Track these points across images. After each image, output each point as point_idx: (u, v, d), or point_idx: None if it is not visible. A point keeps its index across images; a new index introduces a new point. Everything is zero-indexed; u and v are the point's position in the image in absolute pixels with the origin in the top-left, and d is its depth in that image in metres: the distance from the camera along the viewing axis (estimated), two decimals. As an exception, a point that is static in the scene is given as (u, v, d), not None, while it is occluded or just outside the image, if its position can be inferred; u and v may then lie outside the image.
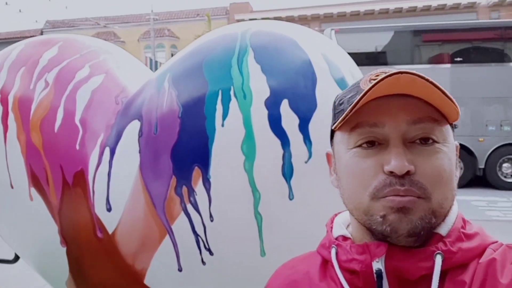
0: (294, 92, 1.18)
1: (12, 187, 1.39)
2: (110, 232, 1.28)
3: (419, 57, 9.01)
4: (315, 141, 1.16)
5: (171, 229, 1.20)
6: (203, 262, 1.21)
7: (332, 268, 0.61)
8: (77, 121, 1.37)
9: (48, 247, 1.39)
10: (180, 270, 1.23)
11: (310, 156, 1.16)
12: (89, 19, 23.33)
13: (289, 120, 1.15)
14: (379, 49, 9.34)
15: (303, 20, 19.80)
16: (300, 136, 1.16)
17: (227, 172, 1.15)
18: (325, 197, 1.21)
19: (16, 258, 2.32)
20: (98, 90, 1.43)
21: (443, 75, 8.13)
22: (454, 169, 0.59)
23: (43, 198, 1.35)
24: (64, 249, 1.35)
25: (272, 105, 1.16)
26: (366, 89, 0.55)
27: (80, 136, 1.36)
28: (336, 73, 1.26)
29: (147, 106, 1.30)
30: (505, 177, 8.29)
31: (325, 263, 0.64)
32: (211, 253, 1.20)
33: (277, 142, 1.14)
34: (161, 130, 1.23)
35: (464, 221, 0.61)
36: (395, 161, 0.54)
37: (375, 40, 9.34)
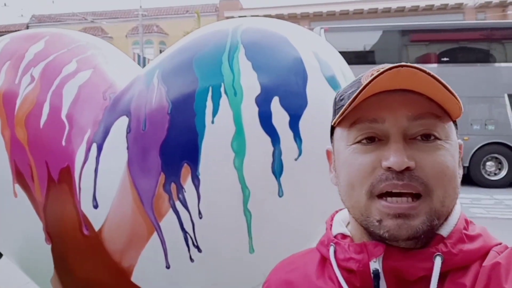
0: (285, 90, 1.18)
1: (-5, 184, 1.36)
2: (96, 229, 1.26)
3: (406, 57, 9.10)
4: (305, 139, 1.16)
5: (159, 226, 1.19)
6: (192, 259, 1.20)
7: (330, 266, 0.60)
8: (63, 117, 1.35)
9: (33, 244, 1.36)
10: (168, 267, 1.22)
11: (300, 154, 1.16)
12: (76, 14, 22.97)
13: (280, 117, 1.15)
14: (368, 48, 9.42)
15: (292, 18, 19.83)
16: (290, 134, 1.15)
17: (217, 169, 1.15)
18: (315, 195, 1.22)
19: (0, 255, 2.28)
20: (85, 85, 1.41)
21: (430, 74, 8.20)
22: (457, 167, 0.57)
23: (27, 194, 1.32)
24: (49, 246, 1.33)
25: (263, 102, 1.15)
26: (365, 84, 0.54)
27: (66, 132, 1.33)
28: (327, 71, 1.27)
29: (135, 102, 1.28)
30: (488, 175, 8.44)
31: (324, 260, 0.63)
32: (199, 250, 1.19)
33: (267, 139, 1.14)
34: (150, 126, 1.21)
35: (467, 221, 0.59)
36: (394, 157, 0.52)
37: (364, 39, 9.41)
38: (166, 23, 23.50)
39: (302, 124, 1.16)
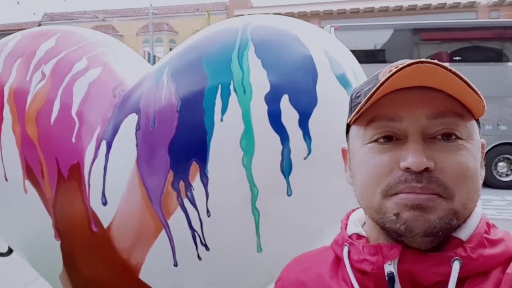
0: (294, 88, 1.17)
1: (6, 180, 1.37)
2: (105, 226, 1.26)
3: (417, 55, 9.01)
4: (315, 138, 1.15)
5: (167, 224, 1.19)
6: (199, 258, 1.20)
7: (344, 267, 0.59)
8: (73, 114, 1.35)
9: (42, 240, 1.38)
10: (175, 265, 1.22)
11: (309, 153, 1.15)
12: (87, 12, 23.18)
13: (289, 115, 1.14)
14: (378, 47, 9.33)
15: (302, 16, 19.75)
16: (299, 132, 1.14)
17: (225, 167, 1.14)
18: (324, 194, 1.21)
19: (10, 251, 2.31)
20: (95, 82, 1.41)
21: (441, 73, 8.11)
22: (479, 168, 0.55)
23: (37, 191, 1.33)
24: (58, 242, 1.34)
25: (272, 100, 1.14)
26: (382, 80, 0.51)
27: (76, 129, 1.34)
28: (337, 69, 1.25)
29: (145, 100, 1.28)
30: (500, 176, 8.32)
31: (338, 260, 0.62)
32: (207, 249, 1.18)
33: (276, 137, 1.13)
34: (159, 124, 1.21)
35: (488, 225, 0.56)
36: (413, 157, 0.50)
37: (375, 38, 9.33)
38: (176, 21, 23.59)
39: (312, 122, 1.15)
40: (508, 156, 8.33)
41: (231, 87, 1.15)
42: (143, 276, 1.27)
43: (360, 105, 0.55)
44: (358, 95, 0.60)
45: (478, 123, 0.57)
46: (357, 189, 0.58)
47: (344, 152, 0.65)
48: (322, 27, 9.28)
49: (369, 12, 19.84)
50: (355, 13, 20.08)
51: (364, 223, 0.63)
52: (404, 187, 0.51)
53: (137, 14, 24.29)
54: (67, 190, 1.30)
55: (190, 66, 1.24)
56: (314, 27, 1.44)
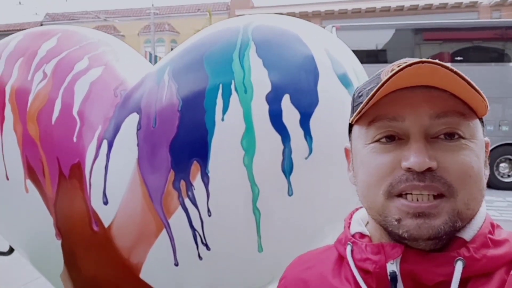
0: (295, 87, 1.16)
1: (7, 179, 1.38)
2: (106, 225, 1.26)
3: (419, 56, 8.99)
4: (316, 137, 1.15)
5: (168, 223, 1.19)
6: (200, 257, 1.20)
7: (347, 266, 0.59)
8: (75, 113, 1.35)
9: (43, 239, 1.38)
10: (176, 264, 1.22)
11: (310, 152, 1.15)
12: (89, 12, 23.22)
13: (290, 115, 1.14)
14: (380, 47, 9.32)
15: (304, 16, 19.74)
16: (301, 132, 1.14)
17: (226, 167, 1.14)
18: (325, 194, 1.20)
19: (11, 250, 2.31)
20: (96, 82, 1.41)
21: (442, 74, 8.10)
22: (483, 167, 0.54)
23: (39, 190, 1.33)
24: (59, 241, 1.34)
25: (273, 100, 1.14)
26: (384, 80, 0.51)
27: (77, 128, 1.34)
28: (338, 69, 1.25)
29: (146, 99, 1.28)
30: (502, 177, 8.29)
31: (341, 259, 0.62)
32: (208, 248, 1.18)
33: (277, 137, 1.13)
34: (160, 123, 1.21)
35: (493, 225, 0.56)
36: (415, 157, 0.49)
37: (376, 38, 9.33)
38: (178, 21, 23.61)
39: (313, 122, 1.15)
40: (510, 157, 8.31)
41: (232, 87, 1.15)
42: (143, 275, 1.27)
43: (362, 105, 0.54)
44: (360, 94, 0.59)
45: (482, 122, 0.57)
46: (360, 189, 0.58)
47: (347, 151, 0.65)
48: (324, 27, 9.29)
49: (371, 12, 19.82)
50: (357, 13, 20.06)
51: (368, 222, 0.63)
52: (406, 186, 0.51)
53: (138, 14, 24.32)
54: (68, 189, 1.30)
55: (191, 66, 1.24)
56: (316, 26, 1.44)
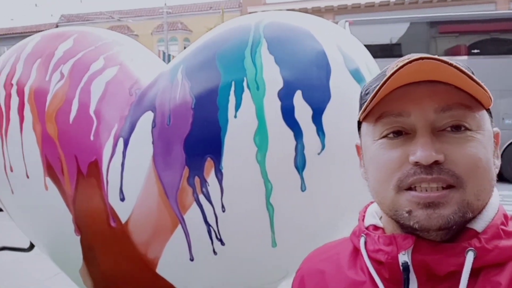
0: (307, 83, 1.17)
1: (27, 177, 1.42)
2: (123, 221, 1.29)
3: (435, 49, 8.84)
4: (329, 133, 1.15)
5: (183, 219, 1.21)
6: (215, 252, 1.21)
7: (362, 257, 0.60)
8: (91, 112, 1.39)
9: (63, 235, 1.42)
10: (191, 259, 1.24)
11: (323, 148, 1.15)
12: (103, 13, 23.50)
13: (303, 111, 1.14)
14: (394, 41, 9.19)
15: (316, 12, 19.59)
16: (313, 128, 1.15)
17: (239, 163, 1.15)
18: (338, 189, 1.21)
19: (31, 246, 2.38)
20: (112, 81, 1.44)
21: (460, 67, 7.96)
22: (492, 158, 0.54)
23: (58, 187, 1.37)
24: (78, 237, 1.38)
25: (285, 96, 1.15)
26: (386, 77, 0.52)
27: (94, 127, 1.37)
28: (351, 64, 1.25)
29: (160, 98, 1.30)
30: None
31: (356, 251, 0.63)
32: (222, 243, 1.20)
33: (289, 133, 1.14)
34: (174, 121, 1.23)
35: (506, 217, 0.56)
36: (421, 151, 0.50)
37: (390, 32, 9.20)
38: (190, 20, 23.71)
39: (326, 118, 1.15)
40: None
41: (245, 84, 1.16)
42: (160, 270, 1.30)
43: (367, 102, 0.55)
44: (367, 92, 0.60)
45: (489, 112, 0.57)
46: (371, 185, 0.59)
47: (358, 148, 0.66)
48: (336, 22, 9.22)
49: (385, 6, 19.54)
50: (370, 7, 19.80)
51: (381, 216, 0.64)
52: (414, 179, 0.51)
53: (151, 14, 24.51)
54: (86, 186, 1.34)
55: (204, 64, 1.26)
56: (328, 22, 1.44)
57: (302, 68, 1.19)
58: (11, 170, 1.45)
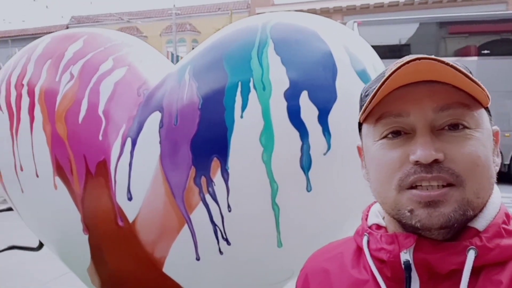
0: (313, 84, 1.17)
1: (37, 176, 1.44)
2: (130, 220, 1.31)
3: (444, 50, 8.78)
4: (335, 133, 1.16)
5: (189, 218, 1.22)
6: (221, 252, 1.22)
7: (365, 256, 0.61)
8: (100, 113, 1.40)
9: (71, 234, 1.44)
10: (198, 259, 1.25)
11: (329, 148, 1.15)
12: (113, 14, 23.71)
13: (308, 111, 1.15)
14: (403, 42, 9.14)
15: (325, 12, 19.55)
16: (319, 128, 1.15)
17: (245, 163, 1.16)
18: (344, 190, 1.21)
19: (41, 245, 2.41)
20: (120, 82, 1.46)
21: (469, 68, 7.86)
22: (491, 156, 0.55)
23: (67, 187, 1.39)
24: (86, 236, 1.40)
25: (291, 97, 1.15)
26: (384, 79, 0.53)
27: (103, 127, 1.39)
28: (357, 65, 1.25)
29: (168, 98, 1.32)
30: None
31: (359, 250, 0.64)
32: (228, 243, 1.21)
33: (295, 133, 1.14)
34: (181, 121, 1.24)
35: (508, 216, 0.56)
36: (421, 150, 0.51)
37: (399, 33, 9.15)
38: (199, 21, 23.81)
39: (331, 118, 1.15)
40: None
41: (251, 84, 1.17)
42: (166, 269, 1.31)
43: (366, 103, 0.56)
44: (366, 94, 0.61)
45: (488, 111, 0.58)
46: (373, 185, 0.60)
47: (359, 149, 0.67)
48: (345, 23, 9.19)
49: (394, 6, 19.42)
50: (379, 7, 19.70)
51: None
52: (415, 178, 0.52)
53: (160, 15, 24.67)
54: (95, 186, 1.36)
55: (211, 65, 1.27)
56: (334, 23, 1.44)
57: (309, 69, 1.19)
58: (21, 170, 1.48)
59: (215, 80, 1.22)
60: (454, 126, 0.53)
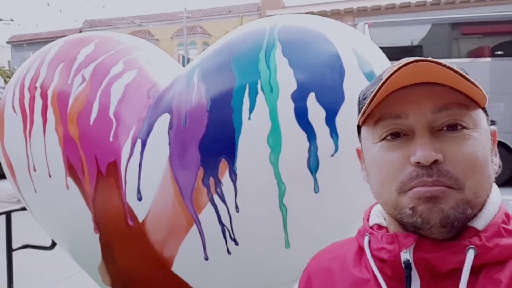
0: (321, 85, 1.18)
1: (50, 176, 1.47)
2: (140, 220, 1.33)
3: (457, 51, 8.67)
4: (342, 135, 1.16)
5: (198, 218, 1.24)
6: (229, 252, 1.23)
7: (366, 256, 0.62)
8: (111, 114, 1.43)
9: (82, 233, 1.46)
10: (206, 259, 1.27)
11: (336, 150, 1.16)
12: (125, 18, 24.00)
13: (316, 113, 1.15)
14: (415, 43, 9.06)
15: (336, 14, 19.50)
16: (326, 129, 1.15)
17: (253, 164, 1.17)
18: (351, 191, 1.21)
19: (53, 244, 2.45)
20: (131, 85, 1.49)
21: (483, 69, 7.78)
22: (489, 156, 0.55)
23: (78, 187, 1.42)
24: (97, 235, 1.42)
25: (299, 98, 1.16)
26: (382, 81, 0.54)
27: (113, 128, 1.41)
28: (365, 66, 1.25)
29: (177, 100, 1.34)
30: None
31: (361, 250, 0.65)
32: (236, 243, 1.22)
33: (303, 135, 1.15)
34: (190, 123, 1.26)
35: (508, 216, 0.57)
36: (421, 151, 0.52)
37: (411, 34, 9.06)
38: (209, 24, 23.97)
39: (339, 119, 1.16)
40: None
41: (259, 86, 1.18)
42: (175, 268, 1.33)
43: (365, 106, 0.57)
44: (364, 96, 0.62)
45: (485, 111, 0.58)
46: (373, 187, 0.61)
47: (358, 152, 0.68)
48: (356, 25, 9.15)
49: (405, 7, 19.27)
50: (391, 8, 19.56)
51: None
52: (417, 182, 0.53)
53: (172, 19, 24.89)
54: (105, 186, 1.38)
55: (220, 67, 1.28)
56: (342, 25, 1.44)
57: (316, 70, 1.19)
58: (35, 170, 1.51)
59: (223, 82, 1.24)
60: (453, 127, 0.54)
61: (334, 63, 1.21)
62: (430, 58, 0.53)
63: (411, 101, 0.55)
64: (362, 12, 19.96)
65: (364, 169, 0.65)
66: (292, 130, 1.15)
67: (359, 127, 0.65)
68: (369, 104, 0.56)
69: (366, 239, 0.62)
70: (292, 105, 1.15)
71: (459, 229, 0.54)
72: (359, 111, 0.63)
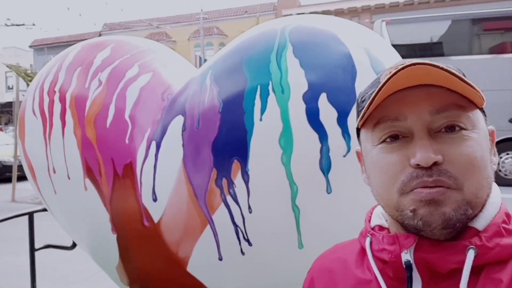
0: (332, 86, 1.18)
1: (69, 178, 1.51)
2: (155, 221, 1.35)
3: (479, 47, 8.47)
4: (354, 135, 1.15)
5: (211, 219, 1.25)
6: (242, 252, 1.24)
7: (368, 256, 0.62)
8: (126, 117, 1.46)
9: (101, 234, 1.50)
10: (220, 259, 1.28)
11: (348, 150, 1.15)
12: (143, 20, 24.36)
13: (328, 113, 1.15)
14: (435, 40, 8.89)
15: (353, 12, 19.31)
16: (338, 130, 1.15)
17: (265, 165, 1.18)
18: (364, 191, 1.20)
19: (74, 245, 2.52)
20: (145, 87, 1.51)
21: (506, 65, 7.58)
22: (488, 156, 0.56)
23: (96, 188, 1.46)
24: (115, 236, 1.45)
25: (310, 99, 1.16)
26: (381, 85, 0.55)
27: (129, 131, 1.45)
28: (377, 66, 1.24)
29: (190, 102, 1.36)
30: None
31: (363, 251, 0.65)
32: (250, 244, 1.23)
33: (314, 135, 1.15)
34: (203, 124, 1.28)
35: (508, 215, 0.57)
36: (420, 153, 0.52)
37: (430, 31, 8.89)
38: (226, 24, 24.09)
39: (351, 120, 1.15)
40: None
41: (270, 88, 1.18)
42: (190, 269, 1.35)
43: (364, 109, 0.58)
44: (363, 99, 0.63)
45: (483, 111, 0.59)
46: (374, 189, 0.61)
47: (358, 154, 0.69)
48: (373, 22, 9.03)
49: (425, 4, 18.92)
50: (409, 5, 19.24)
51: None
52: (417, 183, 0.53)
53: (188, 20, 25.13)
54: (122, 187, 1.41)
55: (231, 69, 1.30)
56: (354, 24, 1.43)
57: (327, 71, 1.19)
58: (54, 172, 1.56)
59: (235, 84, 1.25)
60: (451, 128, 0.54)
61: (346, 64, 1.21)
62: (427, 61, 0.53)
63: (409, 103, 0.56)
64: (380, 9, 19.69)
65: (364, 171, 0.66)
66: (304, 131, 1.15)
67: (358, 130, 0.66)
68: (368, 107, 0.57)
69: (368, 240, 0.63)
70: (303, 106, 1.16)
71: (459, 230, 0.55)
72: (358, 114, 0.64)
